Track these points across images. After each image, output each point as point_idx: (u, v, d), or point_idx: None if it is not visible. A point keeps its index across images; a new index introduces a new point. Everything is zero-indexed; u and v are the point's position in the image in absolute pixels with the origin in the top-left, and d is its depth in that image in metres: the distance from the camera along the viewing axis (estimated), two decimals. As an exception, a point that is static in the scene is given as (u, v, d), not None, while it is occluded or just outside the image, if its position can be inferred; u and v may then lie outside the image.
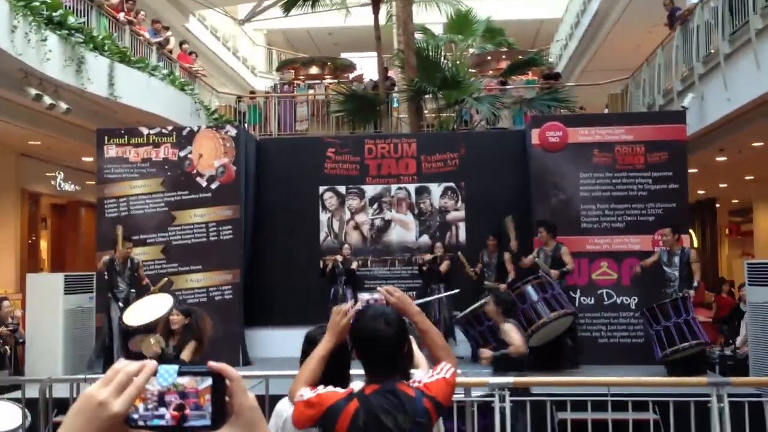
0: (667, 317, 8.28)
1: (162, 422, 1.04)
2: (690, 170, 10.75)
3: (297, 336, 8.69)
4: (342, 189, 11.19)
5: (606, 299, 9.64)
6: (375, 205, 11.15)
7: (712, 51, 10.72)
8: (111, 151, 10.43)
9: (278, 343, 9.31)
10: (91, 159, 12.68)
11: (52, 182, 15.60)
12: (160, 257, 10.18)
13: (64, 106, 10.68)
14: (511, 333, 7.40)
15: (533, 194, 10.05)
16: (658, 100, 13.46)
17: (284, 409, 3.09)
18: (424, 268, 10.32)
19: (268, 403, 5.25)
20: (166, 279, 9.69)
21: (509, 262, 9.85)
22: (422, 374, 2.68)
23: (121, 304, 9.07)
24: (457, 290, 8.59)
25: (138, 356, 7.33)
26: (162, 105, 13.20)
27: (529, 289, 8.69)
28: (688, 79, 11.82)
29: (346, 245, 10.70)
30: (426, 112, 15.66)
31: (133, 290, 9.27)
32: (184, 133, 10.57)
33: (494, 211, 10.58)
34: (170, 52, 15.32)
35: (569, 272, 9.19)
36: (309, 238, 11.05)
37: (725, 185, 18.48)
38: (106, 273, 9.38)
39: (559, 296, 8.69)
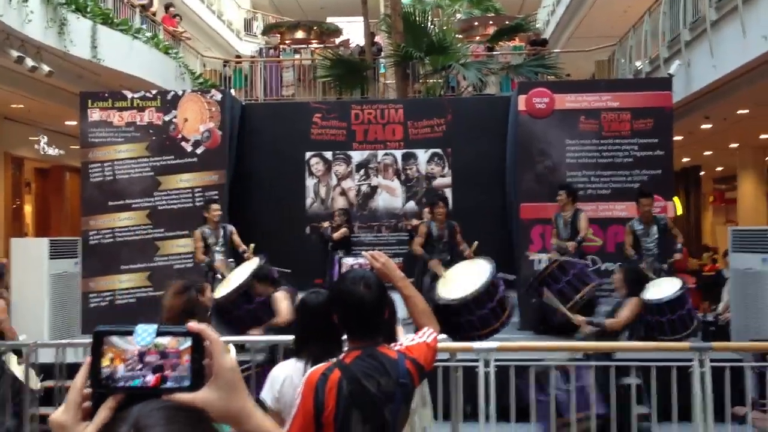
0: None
1: (142, 382, 1.04)
2: (675, 137, 10.77)
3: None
4: (328, 155, 11.16)
5: (591, 265, 9.69)
6: (361, 171, 11.13)
7: (699, 17, 10.69)
8: (95, 114, 10.32)
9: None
10: (74, 123, 12.57)
11: (36, 146, 15.47)
12: (146, 222, 10.15)
13: (46, 68, 10.56)
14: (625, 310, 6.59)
15: (519, 161, 10.05)
16: (645, 66, 13.44)
17: (279, 373, 3.10)
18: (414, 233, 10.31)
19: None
20: (253, 244, 8.91)
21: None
22: (404, 338, 2.70)
23: (219, 276, 8.54)
24: (513, 276, 8.67)
25: None
26: (146, 68, 13.06)
27: (555, 271, 8.49)
28: (674, 45, 11.80)
29: (338, 211, 10.61)
30: (412, 79, 15.58)
31: (231, 260, 8.84)
32: (169, 97, 10.47)
33: (481, 177, 10.60)
34: (154, 14, 15.12)
35: (581, 241, 8.83)
36: (295, 204, 11.03)
37: (710, 153, 18.56)
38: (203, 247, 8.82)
39: (580, 272, 8.42)
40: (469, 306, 7.56)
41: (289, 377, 3.01)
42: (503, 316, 7.80)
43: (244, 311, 7.37)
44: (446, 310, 7.39)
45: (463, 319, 7.57)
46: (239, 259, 8.63)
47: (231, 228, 8.97)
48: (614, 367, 5.50)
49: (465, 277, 7.88)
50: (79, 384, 1.05)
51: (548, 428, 5.45)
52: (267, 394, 3.06)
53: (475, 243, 8.57)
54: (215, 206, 8.93)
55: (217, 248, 8.83)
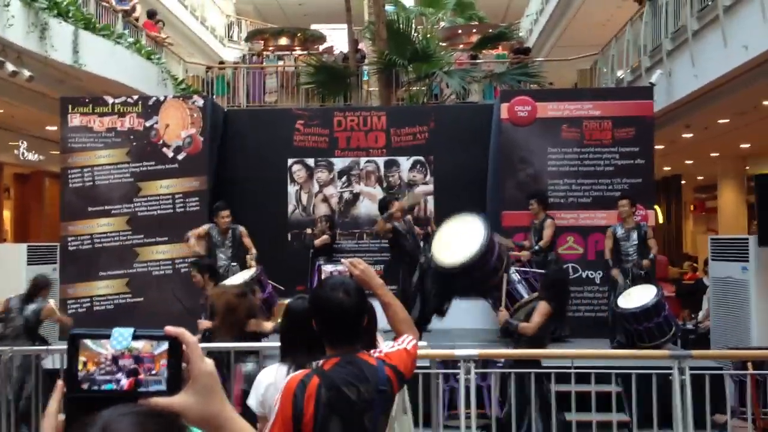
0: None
1: (116, 387, 1.02)
2: (656, 146, 10.83)
3: (263, 308, 8.60)
4: (311, 161, 11.13)
5: (572, 273, 9.71)
6: (344, 178, 11.11)
7: (680, 27, 10.77)
8: (75, 120, 10.25)
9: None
10: (55, 128, 12.46)
11: (15, 151, 15.31)
12: (126, 228, 10.08)
13: (27, 73, 10.47)
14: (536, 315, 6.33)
15: (501, 169, 10.07)
16: (627, 76, 13.52)
17: (263, 379, 3.09)
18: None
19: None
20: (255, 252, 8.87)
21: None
22: (383, 345, 2.68)
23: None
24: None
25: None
26: (128, 74, 12.99)
27: (512, 273, 8.58)
28: (656, 55, 11.88)
29: (322, 218, 10.59)
30: (395, 86, 15.60)
31: (234, 264, 8.63)
32: (150, 102, 10.41)
33: (463, 185, 10.61)
34: (137, 20, 15.05)
35: (539, 251, 8.94)
36: (277, 211, 10.99)
37: (691, 162, 18.71)
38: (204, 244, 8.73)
39: (532, 280, 8.44)
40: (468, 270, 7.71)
41: (272, 383, 3.00)
42: (501, 269, 7.87)
43: None
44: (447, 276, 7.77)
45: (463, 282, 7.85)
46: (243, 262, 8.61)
47: (241, 229, 8.79)
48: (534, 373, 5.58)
49: (458, 239, 7.93)
50: (52, 409, 1.04)
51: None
52: (252, 399, 3.08)
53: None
54: (224, 213, 8.76)
55: (223, 249, 8.70)
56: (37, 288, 7.02)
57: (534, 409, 5.65)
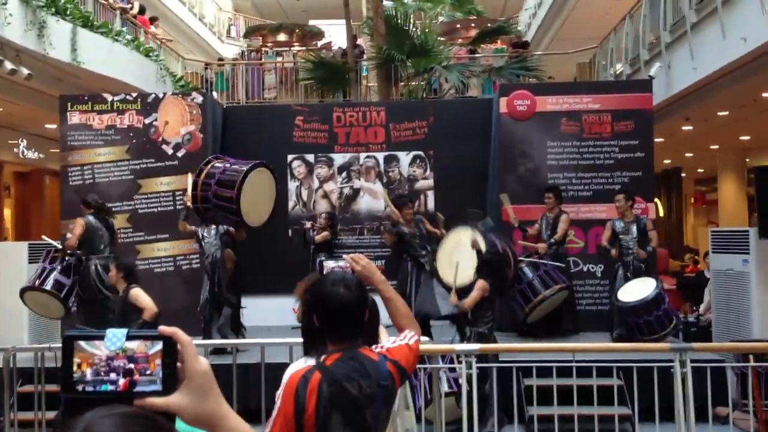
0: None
1: (111, 388, 1.02)
2: (656, 139, 10.84)
3: (264, 304, 8.73)
4: (310, 157, 11.12)
5: (572, 267, 9.72)
6: (343, 174, 11.10)
7: (679, 20, 10.76)
8: (74, 117, 10.24)
9: (245, 311, 9.24)
10: (54, 126, 12.46)
11: (15, 150, 15.33)
12: (126, 226, 10.06)
13: (25, 71, 10.47)
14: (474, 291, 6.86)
15: (501, 163, 10.06)
16: (626, 69, 13.51)
17: (289, 374, 3.08)
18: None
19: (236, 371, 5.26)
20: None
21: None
22: (385, 341, 2.68)
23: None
24: (564, 264, 8.81)
25: None
26: (126, 71, 12.98)
27: (524, 269, 8.64)
28: (655, 48, 11.87)
29: (323, 214, 10.57)
30: (394, 81, 15.58)
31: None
32: (149, 99, 10.40)
33: (463, 180, 10.60)
34: (134, 17, 15.04)
35: (555, 243, 9.01)
36: (277, 207, 10.93)
37: (691, 154, 18.70)
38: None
39: (552, 271, 8.62)
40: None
41: None
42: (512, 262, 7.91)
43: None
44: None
45: None
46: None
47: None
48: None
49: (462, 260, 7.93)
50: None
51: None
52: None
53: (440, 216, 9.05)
54: None
55: (210, 238, 8.55)
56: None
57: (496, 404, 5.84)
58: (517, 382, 6.11)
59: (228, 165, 7.61)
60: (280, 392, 2.43)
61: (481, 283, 6.61)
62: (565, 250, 9.33)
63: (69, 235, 8.42)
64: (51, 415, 5.73)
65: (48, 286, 7.78)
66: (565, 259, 9.24)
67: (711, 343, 8.14)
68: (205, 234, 8.60)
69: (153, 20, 16.38)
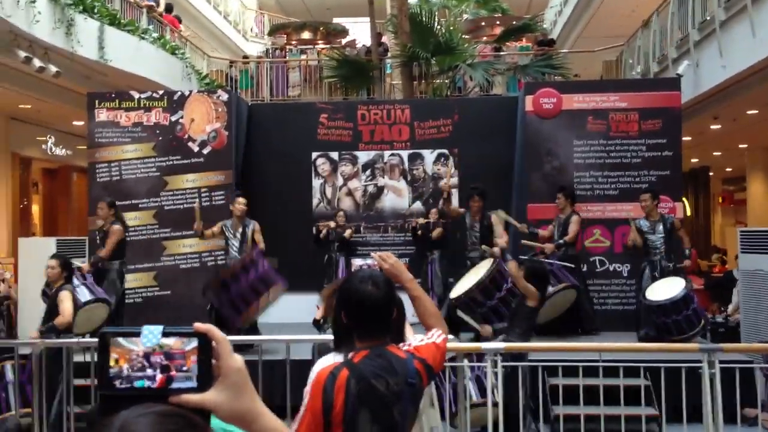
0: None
1: (147, 383, 1.02)
2: (684, 138, 10.71)
3: (289, 301, 8.74)
4: (335, 155, 11.14)
5: (598, 266, 9.65)
6: (368, 172, 11.11)
7: (708, 17, 10.63)
8: (102, 115, 10.34)
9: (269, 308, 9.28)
10: (81, 123, 12.59)
11: (43, 146, 15.50)
12: (153, 222, 10.15)
13: (53, 69, 10.57)
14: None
15: (526, 161, 10.01)
16: (653, 67, 13.38)
17: (318, 368, 3.08)
18: (419, 232, 10.28)
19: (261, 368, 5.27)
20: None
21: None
22: (412, 339, 2.68)
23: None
24: (572, 265, 8.70)
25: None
26: (153, 69, 13.07)
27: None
28: (683, 45, 11.75)
29: (340, 212, 10.62)
30: (418, 79, 15.55)
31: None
32: (176, 97, 10.48)
33: (487, 178, 10.55)
34: (161, 15, 15.13)
35: (564, 244, 8.84)
36: (301, 204, 11.02)
37: (719, 153, 18.49)
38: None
39: (557, 271, 8.48)
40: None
41: None
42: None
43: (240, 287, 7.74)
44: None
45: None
46: None
47: (254, 225, 8.82)
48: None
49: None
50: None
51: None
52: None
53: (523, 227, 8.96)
54: (241, 200, 8.85)
55: (234, 242, 8.72)
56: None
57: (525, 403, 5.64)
58: (542, 381, 6.07)
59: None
60: (307, 388, 2.43)
61: (532, 290, 5.89)
62: (576, 251, 9.14)
63: (103, 250, 8.55)
64: (79, 409, 5.78)
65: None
66: (577, 261, 9.07)
67: (740, 343, 8.04)
68: (230, 236, 8.68)
69: (171, 13, 16.44)
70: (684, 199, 11.76)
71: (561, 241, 8.87)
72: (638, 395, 5.81)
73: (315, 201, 11.12)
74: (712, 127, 14.05)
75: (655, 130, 9.82)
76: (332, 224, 10.35)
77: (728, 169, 21.54)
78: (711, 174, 21.88)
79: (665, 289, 8.00)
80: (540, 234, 9.10)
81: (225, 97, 10.51)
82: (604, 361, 5.48)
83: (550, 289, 8.12)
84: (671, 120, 9.86)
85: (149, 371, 1.03)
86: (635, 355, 6.25)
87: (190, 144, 10.28)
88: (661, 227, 8.61)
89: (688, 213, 18.45)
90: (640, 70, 13.83)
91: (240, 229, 8.74)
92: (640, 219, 8.80)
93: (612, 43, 15.97)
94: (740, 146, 17.16)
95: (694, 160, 19.47)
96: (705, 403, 5.03)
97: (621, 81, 13.46)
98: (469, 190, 9.39)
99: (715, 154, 18.54)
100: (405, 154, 11.07)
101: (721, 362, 5.09)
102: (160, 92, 10.72)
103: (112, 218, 8.61)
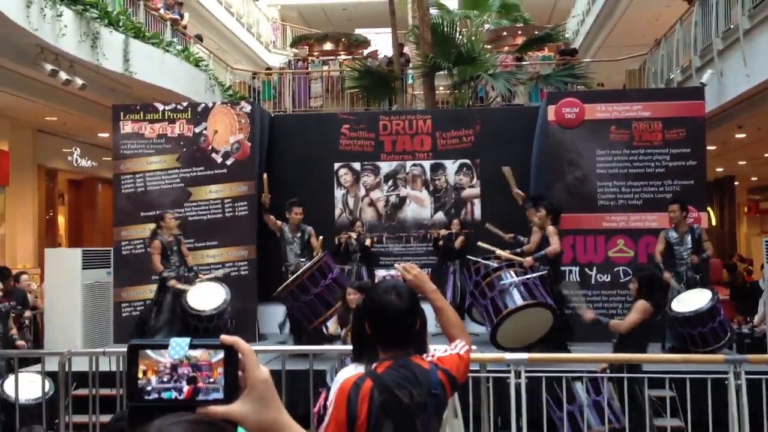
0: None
1: (175, 395, 1.04)
2: (708, 147, 10.65)
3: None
4: (357, 165, 11.17)
5: (622, 276, 9.59)
6: (390, 182, 11.12)
7: (732, 26, 10.57)
8: (127, 127, 10.45)
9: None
10: (107, 135, 12.73)
11: (69, 158, 15.70)
12: (177, 233, 10.20)
13: (79, 81, 10.71)
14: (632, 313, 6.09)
15: (548, 171, 9.98)
16: (677, 76, 13.31)
17: (340, 379, 3.09)
18: (440, 242, 10.29)
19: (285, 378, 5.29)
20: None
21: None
22: (436, 350, 2.68)
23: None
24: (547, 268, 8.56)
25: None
26: (177, 81, 13.20)
27: (503, 275, 8.08)
28: (706, 54, 11.67)
29: (358, 222, 10.63)
30: (441, 88, 15.56)
31: (303, 259, 8.85)
32: (199, 109, 10.57)
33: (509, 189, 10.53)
34: (185, 27, 15.28)
35: (543, 257, 8.14)
36: (324, 215, 11.04)
37: (744, 162, 18.33)
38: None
39: (534, 287, 7.95)
40: None
41: None
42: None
43: (303, 302, 8.08)
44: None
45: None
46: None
47: (310, 230, 9.08)
48: (645, 378, 5.43)
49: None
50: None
51: None
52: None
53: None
54: (297, 209, 9.07)
55: (292, 247, 9.00)
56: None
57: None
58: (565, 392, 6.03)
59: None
60: (331, 398, 2.44)
61: (641, 305, 5.81)
62: (560, 270, 8.63)
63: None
64: (105, 418, 5.83)
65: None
66: (562, 277, 8.64)
67: (766, 355, 7.94)
68: (288, 241, 8.98)
69: (199, 38, 16.57)
70: (709, 208, 11.66)
71: (539, 255, 8.17)
72: (664, 406, 5.77)
73: (337, 211, 11.15)
74: (737, 136, 13.93)
75: (679, 139, 9.75)
76: (353, 234, 10.35)
77: (753, 179, 21.33)
78: (736, 183, 21.67)
79: (692, 300, 7.93)
80: (524, 248, 8.63)
81: (248, 108, 10.58)
82: (628, 371, 5.45)
83: (521, 302, 7.78)
84: (695, 129, 9.79)
85: (177, 383, 1.05)
86: (660, 367, 6.20)
87: (213, 155, 10.35)
88: (689, 239, 8.50)
89: (713, 223, 18.29)
90: (670, 76, 13.73)
91: (298, 234, 9.02)
92: (668, 230, 8.69)
93: (635, 52, 15.91)
94: (765, 155, 16.99)
95: (719, 170, 19.31)
96: (731, 415, 4.98)
97: (644, 90, 13.39)
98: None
99: (740, 163, 18.38)
100: (427, 164, 11.08)
101: (747, 373, 5.05)
102: (184, 104, 10.82)
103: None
